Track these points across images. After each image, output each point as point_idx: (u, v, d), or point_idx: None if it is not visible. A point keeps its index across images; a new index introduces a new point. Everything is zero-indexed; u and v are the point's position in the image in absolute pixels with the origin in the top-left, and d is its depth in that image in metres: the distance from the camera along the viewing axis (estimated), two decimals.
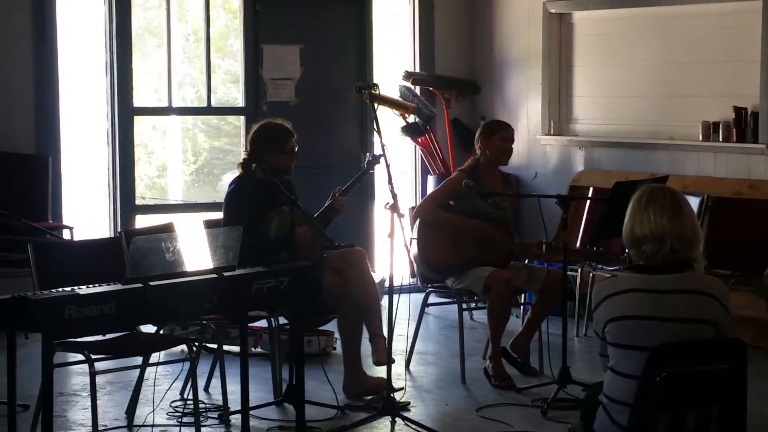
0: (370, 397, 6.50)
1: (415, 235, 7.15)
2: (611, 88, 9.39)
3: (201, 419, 5.96)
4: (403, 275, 7.06)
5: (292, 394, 5.98)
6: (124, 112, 8.98)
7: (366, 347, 6.65)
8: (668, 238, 4.02)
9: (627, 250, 4.20)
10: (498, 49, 10.11)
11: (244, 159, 6.70)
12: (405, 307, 6.66)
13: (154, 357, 6.18)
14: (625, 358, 4.03)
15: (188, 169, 12.48)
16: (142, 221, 9.04)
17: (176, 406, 6.30)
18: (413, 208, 7.62)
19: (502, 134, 7.35)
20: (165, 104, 9.29)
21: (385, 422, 6.15)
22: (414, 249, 7.12)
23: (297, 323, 5.94)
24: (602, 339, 4.16)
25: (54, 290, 4.74)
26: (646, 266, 4.09)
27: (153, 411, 6.08)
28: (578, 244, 8.24)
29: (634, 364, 3.96)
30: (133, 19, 9.08)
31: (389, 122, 9.62)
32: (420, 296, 7.53)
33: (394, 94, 9.50)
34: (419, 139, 9.94)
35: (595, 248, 7.00)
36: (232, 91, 10.86)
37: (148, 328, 6.36)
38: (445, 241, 7.16)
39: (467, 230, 7.14)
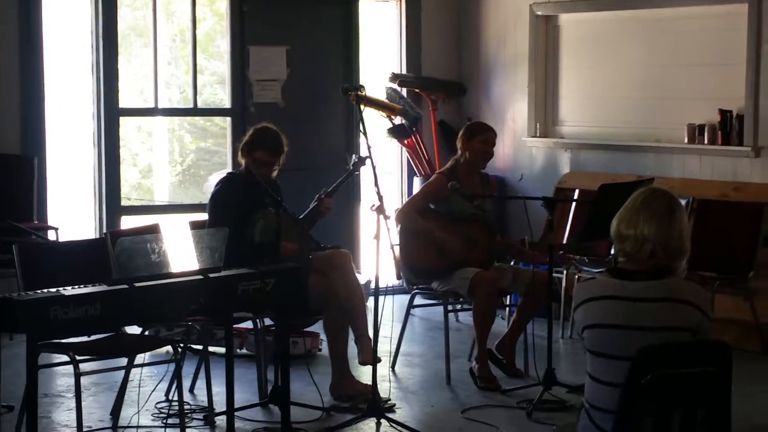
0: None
1: (397, 242, 7.13)
2: (597, 90, 9.40)
3: (186, 420, 5.97)
4: (388, 277, 7.06)
5: (278, 395, 5.97)
6: (110, 113, 8.96)
7: (352, 349, 6.65)
8: (650, 242, 4.00)
9: (609, 256, 4.20)
10: (484, 51, 10.13)
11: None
12: (391, 309, 6.67)
13: (139, 358, 6.18)
14: (603, 366, 4.01)
15: (174, 170, 12.46)
16: (127, 222, 9.03)
17: (161, 408, 6.29)
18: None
19: (483, 137, 7.34)
20: (151, 105, 9.28)
21: (370, 423, 6.15)
22: (397, 254, 7.12)
23: (282, 324, 5.94)
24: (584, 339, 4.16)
25: (39, 291, 4.73)
26: (624, 271, 4.07)
27: (138, 412, 6.07)
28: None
29: (612, 372, 3.95)
30: (120, 20, 9.07)
31: (376, 124, 9.63)
32: (406, 298, 7.53)
33: (381, 96, 9.51)
34: (405, 141, 9.95)
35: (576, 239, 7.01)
36: (218, 92, 10.85)
37: (134, 330, 6.35)
38: (427, 245, 7.16)
39: (447, 239, 7.13)
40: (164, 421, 6.10)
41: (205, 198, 7.04)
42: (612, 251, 7.75)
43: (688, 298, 3.98)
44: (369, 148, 6.22)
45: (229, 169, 9.08)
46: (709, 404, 3.93)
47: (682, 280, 4.05)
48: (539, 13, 9.66)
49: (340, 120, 9.87)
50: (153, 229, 5.80)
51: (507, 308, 8.01)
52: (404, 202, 7.94)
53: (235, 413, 5.79)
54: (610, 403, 3.93)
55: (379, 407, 6.17)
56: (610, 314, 4.01)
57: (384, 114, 9.23)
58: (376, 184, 6.15)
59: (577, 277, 8.15)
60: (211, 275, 5.20)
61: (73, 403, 6.04)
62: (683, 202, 7.74)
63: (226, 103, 9.57)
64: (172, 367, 5.92)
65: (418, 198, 7.40)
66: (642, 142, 8.98)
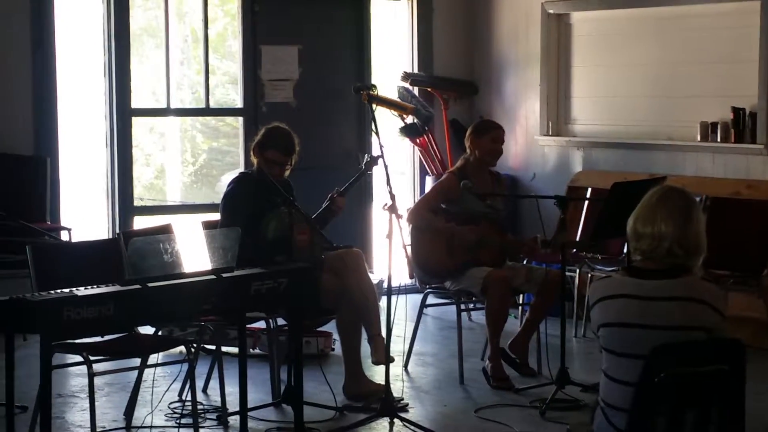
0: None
1: (409, 241, 7.13)
2: (609, 88, 9.39)
3: (199, 420, 5.97)
4: (401, 276, 7.07)
5: (291, 395, 5.98)
6: (123, 113, 8.97)
7: (365, 348, 6.65)
8: (668, 240, 3.99)
9: (627, 241, 4.18)
10: (496, 50, 10.12)
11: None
12: (403, 308, 6.67)
13: (153, 358, 6.19)
14: (618, 364, 4.01)
15: (186, 170, 12.47)
16: (140, 222, 9.04)
17: (174, 408, 6.29)
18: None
19: (492, 135, 7.33)
20: (163, 105, 9.29)
21: (383, 423, 6.15)
22: (410, 254, 7.11)
23: (295, 324, 5.94)
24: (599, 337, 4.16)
25: (52, 291, 4.74)
26: (640, 269, 4.06)
27: (151, 412, 6.08)
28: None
29: (626, 370, 3.94)
30: (132, 20, 9.07)
31: (387, 123, 9.62)
32: (418, 297, 7.53)
33: (393, 95, 9.51)
34: (417, 140, 9.94)
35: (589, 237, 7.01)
36: (230, 92, 10.86)
37: (147, 330, 6.36)
38: (439, 245, 7.15)
39: (459, 236, 7.13)
40: (177, 421, 6.11)
41: (217, 198, 7.04)
42: (624, 250, 7.75)
43: (703, 297, 3.97)
44: (381, 147, 6.22)
45: (241, 168, 9.08)
46: (723, 402, 3.92)
47: (697, 279, 4.04)
48: (551, 11, 9.65)
49: (352, 119, 9.87)
50: (166, 230, 5.78)
51: (520, 307, 8.00)
52: (415, 202, 7.92)
53: (249, 413, 5.80)
54: (624, 402, 3.93)
55: (392, 407, 6.16)
56: (626, 313, 4.00)
57: (396, 113, 9.23)
58: (389, 184, 6.15)
59: (590, 276, 8.15)
60: (224, 275, 5.20)
61: (86, 404, 6.06)
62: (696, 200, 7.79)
63: (238, 103, 9.57)
64: (185, 367, 5.92)
65: (429, 198, 7.39)
66: (654, 140, 8.96)
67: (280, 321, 6.60)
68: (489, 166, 7.37)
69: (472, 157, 7.30)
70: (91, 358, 5.42)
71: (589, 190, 8.73)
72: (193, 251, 5.10)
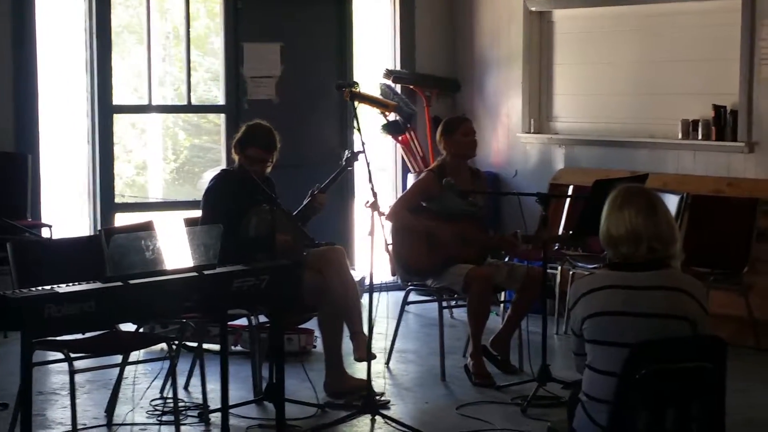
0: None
1: (390, 240, 7.13)
2: (591, 86, 9.41)
3: (181, 418, 5.95)
4: (383, 273, 7.06)
5: (272, 392, 5.97)
6: (104, 110, 8.95)
7: (347, 345, 6.65)
8: (644, 237, 4.04)
9: (605, 251, 4.22)
10: (479, 47, 10.12)
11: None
12: (385, 305, 6.67)
13: (134, 355, 6.18)
14: (603, 354, 4.04)
15: (168, 167, 12.45)
16: (121, 219, 9.02)
17: (156, 405, 6.29)
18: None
19: (462, 129, 7.35)
20: (145, 102, 9.27)
21: (365, 420, 6.15)
22: (391, 252, 7.11)
23: (277, 321, 5.94)
24: (578, 337, 4.17)
25: (33, 289, 4.73)
26: (623, 264, 4.11)
27: (132, 409, 6.08)
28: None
29: (611, 360, 3.98)
30: (113, 17, 9.05)
31: (370, 120, 9.62)
32: (400, 294, 7.53)
33: (375, 92, 9.50)
34: (400, 137, 9.94)
35: (570, 232, 7.02)
36: (212, 89, 10.84)
37: (128, 327, 6.34)
38: (420, 243, 7.15)
39: (440, 234, 7.13)
40: (159, 418, 6.10)
41: (199, 195, 7.02)
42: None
43: (687, 288, 4.05)
44: (363, 144, 6.22)
45: (223, 166, 9.07)
46: (704, 399, 3.95)
47: (680, 271, 4.11)
48: (533, 8, 9.66)
49: (334, 116, 9.86)
50: (147, 227, 5.79)
51: (501, 304, 8.01)
52: (395, 201, 7.92)
53: (230, 410, 5.79)
54: (608, 393, 3.95)
55: (373, 404, 6.17)
56: (612, 302, 4.05)
57: (378, 110, 9.22)
58: (370, 181, 6.15)
59: (571, 273, 8.16)
60: (206, 272, 5.19)
61: (67, 401, 6.04)
62: (677, 197, 7.82)
63: (220, 100, 9.56)
64: (166, 364, 5.91)
65: (408, 197, 7.38)
66: (636, 137, 8.98)
67: (262, 318, 6.59)
68: (469, 158, 7.38)
69: (448, 156, 7.31)
70: (72, 355, 5.41)
71: (571, 187, 8.74)
72: (175, 248, 5.09)
